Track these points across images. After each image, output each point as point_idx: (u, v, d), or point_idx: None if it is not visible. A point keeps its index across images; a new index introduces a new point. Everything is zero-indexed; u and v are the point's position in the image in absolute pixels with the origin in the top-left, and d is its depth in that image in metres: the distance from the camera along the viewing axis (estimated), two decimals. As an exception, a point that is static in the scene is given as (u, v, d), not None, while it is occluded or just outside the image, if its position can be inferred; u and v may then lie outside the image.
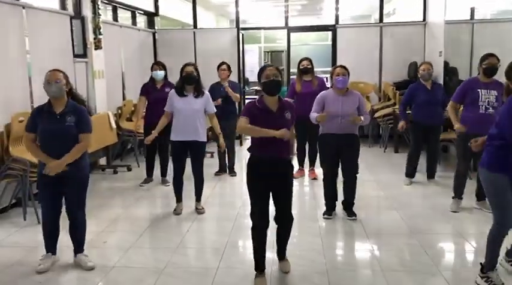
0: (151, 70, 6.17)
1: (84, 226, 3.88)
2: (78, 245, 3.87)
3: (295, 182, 6.21)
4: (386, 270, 3.68)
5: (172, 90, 5.08)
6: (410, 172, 6.16)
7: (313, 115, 4.70)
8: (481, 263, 3.39)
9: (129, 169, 7.12)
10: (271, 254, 3.91)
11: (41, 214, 3.85)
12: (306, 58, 6.29)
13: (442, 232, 4.54)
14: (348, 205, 4.92)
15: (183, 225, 4.78)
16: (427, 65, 5.91)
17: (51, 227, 3.79)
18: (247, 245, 4.34)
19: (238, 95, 6.59)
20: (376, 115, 8.46)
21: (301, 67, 6.23)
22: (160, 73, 6.11)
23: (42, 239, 3.84)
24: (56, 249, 3.89)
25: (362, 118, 4.61)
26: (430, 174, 6.22)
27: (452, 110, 5.00)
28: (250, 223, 4.85)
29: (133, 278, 3.64)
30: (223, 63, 6.57)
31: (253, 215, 3.49)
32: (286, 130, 3.28)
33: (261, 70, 3.44)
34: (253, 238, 3.52)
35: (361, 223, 4.72)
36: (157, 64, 6.24)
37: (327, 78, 9.54)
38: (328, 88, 5.60)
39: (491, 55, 4.81)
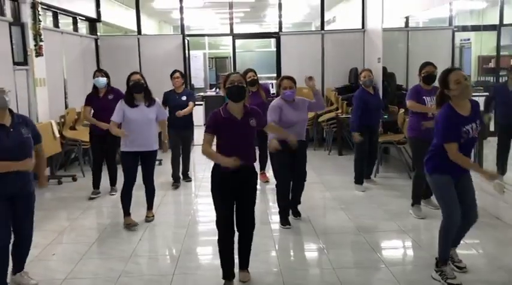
0: (93, 78, 6.00)
1: (31, 242, 3.70)
2: (21, 262, 3.67)
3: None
4: (337, 267, 3.83)
5: (122, 101, 4.91)
6: (359, 177, 6.18)
7: (273, 125, 4.40)
8: (436, 258, 3.60)
9: (74, 179, 6.93)
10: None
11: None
12: (251, 70, 6.33)
13: (387, 229, 4.77)
14: (295, 206, 5.09)
15: (135, 233, 4.72)
16: (367, 72, 6.16)
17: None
18: (201, 251, 4.40)
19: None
20: (320, 119, 8.72)
21: (248, 79, 6.29)
22: (102, 80, 5.93)
23: None
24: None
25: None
26: (368, 174, 6.38)
27: (415, 104, 5.00)
28: (203, 229, 4.93)
29: (87, 289, 3.58)
30: (176, 71, 6.50)
31: (218, 224, 3.47)
32: (235, 159, 3.22)
33: (227, 77, 3.47)
34: (220, 248, 3.50)
35: (310, 224, 4.87)
36: (99, 71, 6.09)
37: (272, 84, 9.77)
38: (274, 94, 5.75)
39: (429, 63, 5.05)
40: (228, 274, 3.54)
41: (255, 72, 6.37)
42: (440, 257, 3.56)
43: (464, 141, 3.38)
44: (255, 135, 3.54)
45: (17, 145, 3.36)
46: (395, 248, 4.44)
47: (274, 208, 5.23)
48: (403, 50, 8.41)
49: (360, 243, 4.36)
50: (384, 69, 8.23)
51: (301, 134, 4.81)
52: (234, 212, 3.51)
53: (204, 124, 12.45)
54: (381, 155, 7.15)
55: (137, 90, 4.85)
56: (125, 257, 4.13)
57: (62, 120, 7.30)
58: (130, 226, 4.88)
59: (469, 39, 7.16)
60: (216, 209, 3.48)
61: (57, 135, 6.78)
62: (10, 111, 3.47)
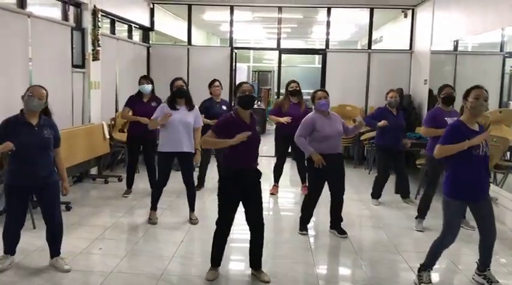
0: (139, 84, 6.23)
1: (62, 228, 4.01)
2: (57, 247, 3.98)
3: (288, 199, 6.43)
4: (375, 284, 3.86)
5: (164, 104, 5.27)
6: (377, 194, 6.39)
7: (303, 141, 4.86)
8: (420, 264, 3.88)
9: (120, 180, 7.18)
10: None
11: (6, 221, 3.88)
12: (294, 81, 6.54)
13: (425, 250, 4.74)
14: (338, 224, 5.07)
15: (177, 235, 4.89)
16: (394, 93, 6.26)
17: (16, 233, 3.92)
18: (237, 258, 4.48)
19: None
20: (362, 138, 8.73)
21: (289, 89, 6.46)
22: (147, 87, 6.18)
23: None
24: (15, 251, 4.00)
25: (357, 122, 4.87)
26: (404, 195, 6.43)
27: (432, 131, 5.11)
28: (237, 237, 4.97)
29: (132, 283, 3.75)
30: (215, 80, 6.69)
31: (220, 222, 3.82)
32: (244, 133, 3.57)
33: (238, 86, 3.80)
34: (215, 242, 3.89)
35: (348, 239, 4.91)
36: (145, 78, 6.32)
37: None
38: (310, 109, 5.76)
39: (447, 85, 5.29)
40: (217, 262, 3.92)
41: (298, 83, 6.52)
42: (424, 263, 3.85)
43: (477, 155, 3.57)
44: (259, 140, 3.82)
45: (37, 142, 3.72)
46: (434, 269, 4.40)
47: (312, 221, 5.27)
48: (451, 73, 8.34)
49: (397, 262, 4.37)
50: (430, 91, 8.19)
51: (337, 147, 4.89)
52: (245, 214, 3.83)
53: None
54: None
55: (180, 96, 5.18)
56: (168, 256, 4.30)
57: (112, 122, 7.62)
58: (151, 221, 5.25)
59: (520, 66, 7.06)
60: (220, 210, 3.80)
61: (107, 136, 7.07)
62: (41, 113, 3.81)
